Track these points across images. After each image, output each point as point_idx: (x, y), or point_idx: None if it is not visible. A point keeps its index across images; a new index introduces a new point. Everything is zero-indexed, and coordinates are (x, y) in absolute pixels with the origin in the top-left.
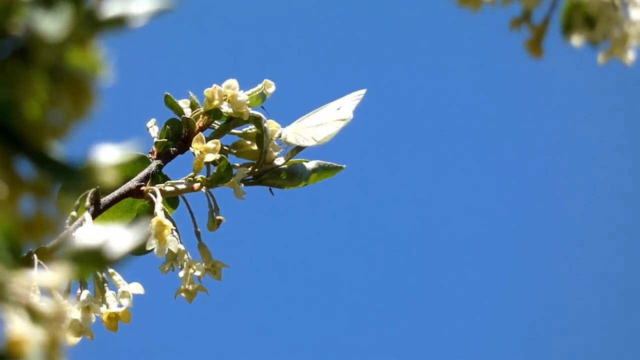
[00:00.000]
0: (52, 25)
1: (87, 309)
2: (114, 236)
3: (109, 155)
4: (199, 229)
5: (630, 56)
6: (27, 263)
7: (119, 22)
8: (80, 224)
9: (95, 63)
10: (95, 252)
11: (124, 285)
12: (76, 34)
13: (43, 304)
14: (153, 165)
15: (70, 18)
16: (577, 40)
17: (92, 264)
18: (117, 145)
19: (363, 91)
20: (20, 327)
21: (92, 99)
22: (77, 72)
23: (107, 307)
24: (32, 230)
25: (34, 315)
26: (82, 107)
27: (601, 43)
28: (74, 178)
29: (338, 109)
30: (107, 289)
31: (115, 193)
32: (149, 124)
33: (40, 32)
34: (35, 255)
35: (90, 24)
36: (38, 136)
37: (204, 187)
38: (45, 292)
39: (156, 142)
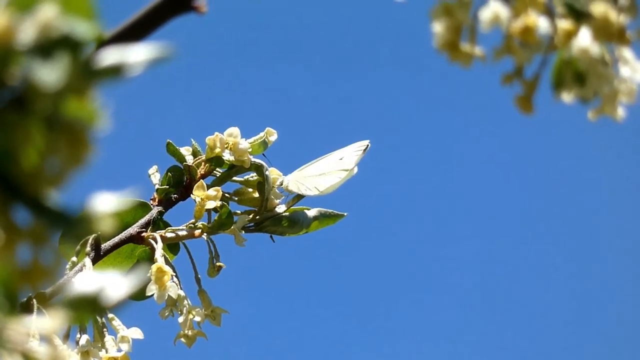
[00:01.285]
0: (49, 74)
1: (86, 353)
2: (111, 283)
3: (105, 204)
4: (199, 275)
5: (621, 113)
6: (27, 309)
7: (116, 71)
8: (81, 270)
9: (92, 112)
10: (91, 299)
11: (123, 330)
12: (73, 84)
13: (40, 350)
14: (154, 211)
15: (67, 68)
16: (567, 97)
17: (89, 311)
18: (114, 194)
19: (366, 142)
20: None
21: (89, 147)
22: (74, 121)
23: (107, 352)
24: (29, 277)
25: None
26: (79, 156)
27: (592, 100)
28: (70, 226)
29: (340, 159)
30: (106, 333)
31: (116, 239)
32: (150, 171)
33: (37, 82)
34: (34, 301)
35: (87, 73)
36: (35, 184)
37: (205, 234)
38: (44, 337)
39: (157, 189)
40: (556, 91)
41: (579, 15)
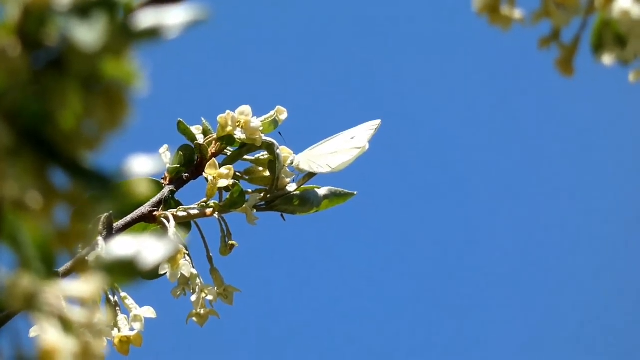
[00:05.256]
0: (87, 35)
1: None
2: (146, 247)
3: (142, 166)
4: (211, 254)
5: None
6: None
7: (154, 33)
8: (93, 249)
9: (129, 74)
10: (128, 263)
11: (136, 309)
12: (111, 45)
13: (75, 314)
14: (166, 190)
15: (105, 28)
16: (608, 59)
17: (125, 275)
18: (149, 157)
19: (377, 122)
20: (52, 337)
21: (127, 109)
22: (112, 82)
23: (119, 330)
24: (66, 240)
25: (67, 325)
26: (116, 118)
27: (632, 62)
28: (108, 188)
29: (352, 138)
30: (119, 312)
31: (128, 218)
32: (161, 150)
33: (75, 43)
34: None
35: (125, 34)
36: (72, 146)
37: (217, 213)
38: (81, 301)
39: (169, 168)
40: (596, 53)
41: None
